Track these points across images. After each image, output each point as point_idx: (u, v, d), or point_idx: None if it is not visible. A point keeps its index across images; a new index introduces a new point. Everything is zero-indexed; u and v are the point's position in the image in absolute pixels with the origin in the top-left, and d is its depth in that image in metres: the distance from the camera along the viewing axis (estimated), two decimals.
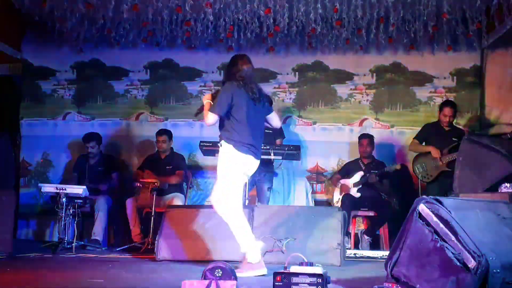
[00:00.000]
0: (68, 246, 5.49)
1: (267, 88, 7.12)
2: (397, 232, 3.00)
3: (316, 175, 7.03)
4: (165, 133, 6.55)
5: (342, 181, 6.41)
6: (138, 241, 5.86)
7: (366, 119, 7.04)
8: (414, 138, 6.28)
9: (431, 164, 5.98)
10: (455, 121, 6.31)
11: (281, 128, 6.55)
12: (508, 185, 4.33)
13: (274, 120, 4.47)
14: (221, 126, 4.18)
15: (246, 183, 5.74)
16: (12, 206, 5.09)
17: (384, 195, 6.34)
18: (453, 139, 5.94)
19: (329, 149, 7.01)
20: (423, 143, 6.21)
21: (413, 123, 6.78)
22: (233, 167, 4.09)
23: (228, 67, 4.29)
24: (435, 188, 5.90)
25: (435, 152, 5.95)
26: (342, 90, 7.11)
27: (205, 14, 6.31)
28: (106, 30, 6.71)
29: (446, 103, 6.22)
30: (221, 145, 4.15)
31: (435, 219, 2.77)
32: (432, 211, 2.80)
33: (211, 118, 4.09)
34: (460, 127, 6.51)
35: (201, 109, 4.31)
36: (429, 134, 6.18)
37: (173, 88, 7.27)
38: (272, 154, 5.68)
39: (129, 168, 7.09)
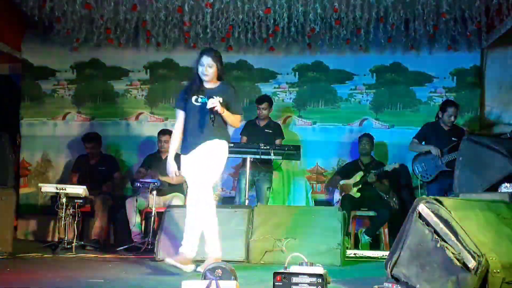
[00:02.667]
0: (68, 246, 5.48)
1: (267, 88, 7.16)
2: (397, 232, 3.00)
3: (316, 175, 7.04)
4: (168, 133, 6.53)
5: (342, 182, 6.41)
6: (138, 241, 5.86)
7: (366, 119, 7.04)
8: (414, 137, 6.28)
9: (430, 163, 5.98)
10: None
11: (281, 128, 6.58)
12: (508, 185, 4.32)
13: None
14: (215, 125, 4.06)
15: (246, 182, 5.80)
16: (12, 206, 5.08)
17: (384, 195, 6.35)
18: (453, 138, 5.93)
19: (329, 149, 7.02)
20: (423, 143, 6.21)
21: (413, 123, 6.77)
22: (223, 166, 4.17)
23: (222, 65, 4.27)
24: (435, 188, 5.90)
25: (435, 150, 5.94)
26: (342, 90, 7.11)
27: (205, 14, 6.31)
28: (106, 30, 6.71)
29: (450, 104, 6.15)
30: (215, 143, 4.10)
31: (435, 219, 2.77)
32: (432, 211, 2.80)
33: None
34: (460, 127, 6.51)
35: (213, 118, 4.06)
36: (429, 133, 6.17)
37: (173, 88, 7.26)
38: (272, 154, 5.68)
39: (129, 168, 7.09)
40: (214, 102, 4.01)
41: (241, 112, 4.34)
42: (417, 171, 6.08)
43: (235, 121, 4.22)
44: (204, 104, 4.09)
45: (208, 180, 4.06)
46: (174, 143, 4.27)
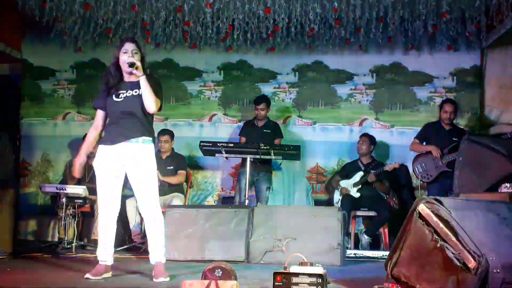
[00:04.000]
0: (68, 246, 5.49)
1: (267, 88, 7.16)
2: (397, 232, 3.00)
3: (316, 175, 7.04)
4: (168, 133, 6.53)
5: (342, 183, 6.40)
6: (138, 241, 5.86)
7: (366, 119, 7.04)
8: (415, 137, 6.28)
9: (431, 164, 5.97)
10: (455, 121, 6.31)
11: (279, 128, 6.59)
12: (508, 185, 4.33)
13: None
14: (140, 121, 3.69)
15: (246, 182, 5.79)
16: (12, 206, 5.09)
17: (384, 195, 6.35)
18: (454, 139, 5.93)
19: (329, 149, 7.02)
20: (424, 143, 6.20)
21: (413, 123, 6.79)
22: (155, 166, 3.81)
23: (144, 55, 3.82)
24: (435, 188, 5.90)
25: (435, 151, 5.94)
26: (342, 90, 7.12)
27: (205, 14, 6.31)
28: (106, 30, 6.71)
29: (446, 101, 6.23)
30: (142, 142, 3.71)
31: (435, 219, 2.77)
32: (432, 211, 2.80)
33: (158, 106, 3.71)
34: (461, 127, 6.51)
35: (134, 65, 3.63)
36: (430, 133, 6.17)
37: (173, 88, 7.28)
38: (272, 154, 5.68)
39: None
40: (133, 60, 3.61)
41: (160, 104, 3.73)
42: (417, 171, 6.07)
43: (153, 101, 3.63)
44: (127, 98, 3.70)
45: (153, 186, 3.76)
46: (87, 143, 3.95)
